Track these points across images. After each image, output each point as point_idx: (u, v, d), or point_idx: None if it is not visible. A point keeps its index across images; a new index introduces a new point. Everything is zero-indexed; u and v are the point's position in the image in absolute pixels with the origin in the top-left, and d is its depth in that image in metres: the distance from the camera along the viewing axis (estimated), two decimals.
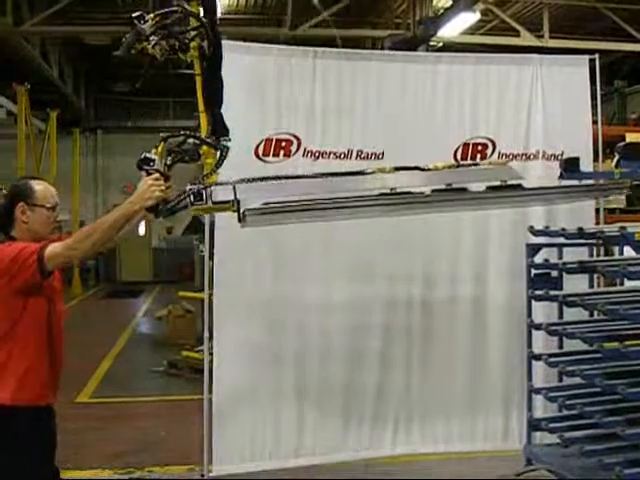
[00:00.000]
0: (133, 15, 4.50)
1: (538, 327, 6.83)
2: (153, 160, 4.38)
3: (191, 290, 15.21)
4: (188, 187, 4.39)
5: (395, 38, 17.36)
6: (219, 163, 4.64)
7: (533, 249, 7.05)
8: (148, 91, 25.50)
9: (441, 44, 19.22)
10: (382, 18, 20.23)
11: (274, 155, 6.84)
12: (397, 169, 4.74)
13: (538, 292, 6.91)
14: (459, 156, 7.25)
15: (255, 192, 4.48)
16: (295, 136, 6.89)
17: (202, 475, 6.96)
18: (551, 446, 6.90)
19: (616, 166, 7.08)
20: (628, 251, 6.72)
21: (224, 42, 6.97)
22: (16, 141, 20.68)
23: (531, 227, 7.01)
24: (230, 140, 4.71)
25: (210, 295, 6.99)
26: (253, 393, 6.94)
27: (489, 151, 7.35)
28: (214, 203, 4.36)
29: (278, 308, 7.00)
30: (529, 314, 7.01)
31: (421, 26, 17.02)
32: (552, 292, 6.78)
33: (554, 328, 6.65)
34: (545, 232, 6.99)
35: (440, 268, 7.35)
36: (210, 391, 6.88)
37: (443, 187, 4.69)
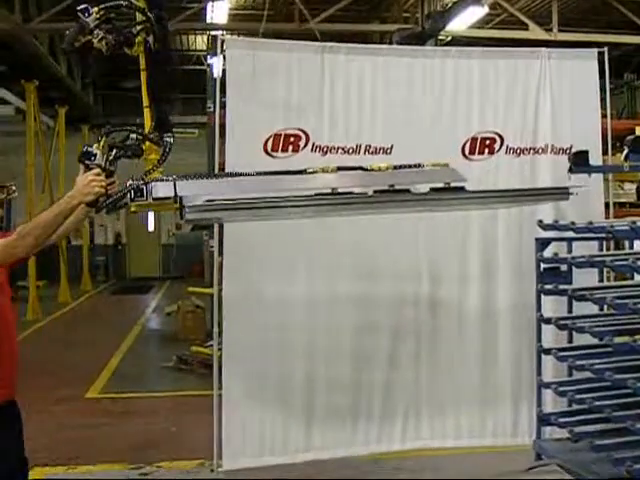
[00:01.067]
0: (78, 8, 4.50)
1: (547, 321, 6.81)
2: (94, 154, 4.33)
3: (201, 286, 15.25)
4: (128, 183, 4.35)
5: (403, 32, 17.31)
6: (162, 159, 4.63)
7: (542, 243, 7.03)
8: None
9: (449, 38, 19.19)
10: (390, 12, 20.23)
11: (283, 150, 6.84)
12: (340, 169, 4.73)
13: (547, 286, 6.89)
14: (467, 150, 7.26)
15: (195, 189, 4.42)
16: (304, 131, 6.88)
17: (212, 470, 6.98)
18: (561, 441, 6.87)
19: (625, 159, 7.07)
20: (639, 245, 6.72)
21: (234, 38, 7.05)
22: (25, 138, 20.73)
23: (540, 221, 6.99)
24: (173, 136, 4.70)
25: (219, 291, 7.00)
26: (262, 389, 6.96)
27: (497, 145, 7.34)
28: (154, 199, 4.31)
29: (286, 304, 7.00)
30: (538, 308, 6.99)
31: (429, 20, 16.97)
32: (561, 286, 6.76)
33: (564, 322, 6.63)
34: (554, 226, 6.96)
35: (448, 264, 7.33)
36: (220, 387, 6.89)
37: (386, 188, 4.66)
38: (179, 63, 22.73)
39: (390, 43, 17.37)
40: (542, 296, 7.01)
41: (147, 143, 4.63)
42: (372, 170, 4.71)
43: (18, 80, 20.50)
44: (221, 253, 6.95)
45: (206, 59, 16.85)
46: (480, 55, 7.45)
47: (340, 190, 4.56)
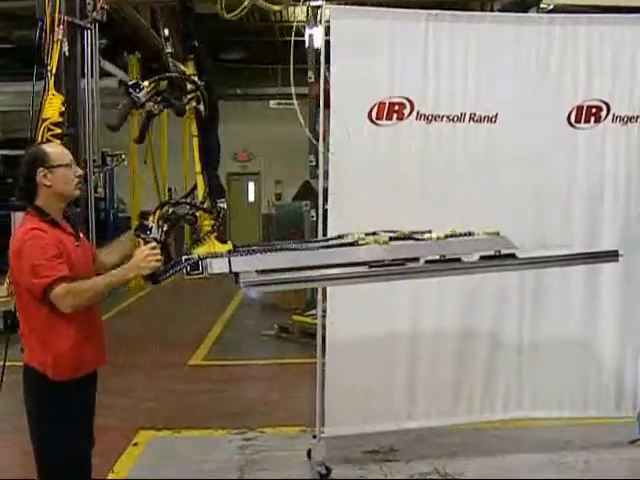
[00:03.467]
0: (129, 84, 4.58)
1: None
2: (150, 228, 4.51)
3: None
4: (184, 257, 4.61)
5: (504, 0, 17.07)
6: (215, 226, 4.77)
7: None
8: (257, 59, 25.62)
9: (552, 6, 18.83)
10: None
11: (387, 118, 6.79)
12: (391, 239, 4.93)
13: None
14: (573, 119, 7.13)
15: (248, 265, 4.84)
16: (408, 99, 6.83)
17: (314, 436, 7.05)
18: None
19: None
20: None
21: (338, 7, 7.03)
22: None
23: None
24: (226, 202, 4.85)
25: None
26: (366, 356, 6.95)
27: (603, 113, 7.19)
28: (210, 275, 4.69)
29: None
30: None
31: None
32: None
33: None
34: None
35: (552, 239, 7.21)
36: (323, 354, 6.95)
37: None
38: (278, 35, 22.81)
39: (491, 11, 17.14)
40: None
41: (200, 211, 4.78)
42: (423, 239, 4.95)
43: (121, 53, 20.77)
44: (325, 224, 6.96)
45: (304, 29, 16.78)
46: (587, 22, 7.28)
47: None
